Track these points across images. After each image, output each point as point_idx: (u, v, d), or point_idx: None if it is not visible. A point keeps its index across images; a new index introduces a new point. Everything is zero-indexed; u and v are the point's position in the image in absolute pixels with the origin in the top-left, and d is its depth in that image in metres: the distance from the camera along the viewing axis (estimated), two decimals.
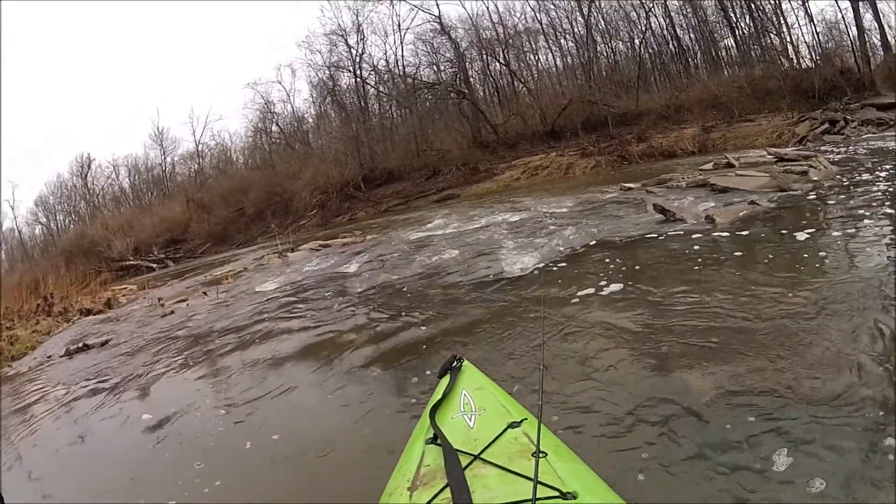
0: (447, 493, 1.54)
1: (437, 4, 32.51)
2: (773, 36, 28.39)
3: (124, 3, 61.54)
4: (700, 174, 13.36)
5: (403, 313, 6.72)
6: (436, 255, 10.33)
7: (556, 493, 1.47)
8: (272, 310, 9.11)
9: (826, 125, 18.79)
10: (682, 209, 8.67)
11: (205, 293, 12.96)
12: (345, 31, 34.06)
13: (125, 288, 19.88)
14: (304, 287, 10.69)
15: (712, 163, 15.08)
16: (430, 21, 33.27)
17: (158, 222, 37.59)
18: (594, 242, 8.10)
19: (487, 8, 34.43)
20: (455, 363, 2.55)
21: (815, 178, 9.97)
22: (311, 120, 40.27)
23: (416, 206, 26.71)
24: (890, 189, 7.97)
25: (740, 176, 11.17)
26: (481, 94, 34.35)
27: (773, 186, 9.72)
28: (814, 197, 8.44)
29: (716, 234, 7.04)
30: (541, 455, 1.65)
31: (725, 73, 29.87)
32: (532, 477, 1.45)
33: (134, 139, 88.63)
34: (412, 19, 33.76)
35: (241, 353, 6.86)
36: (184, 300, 12.75)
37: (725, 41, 31.36)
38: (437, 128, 33.00)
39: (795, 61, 27.25)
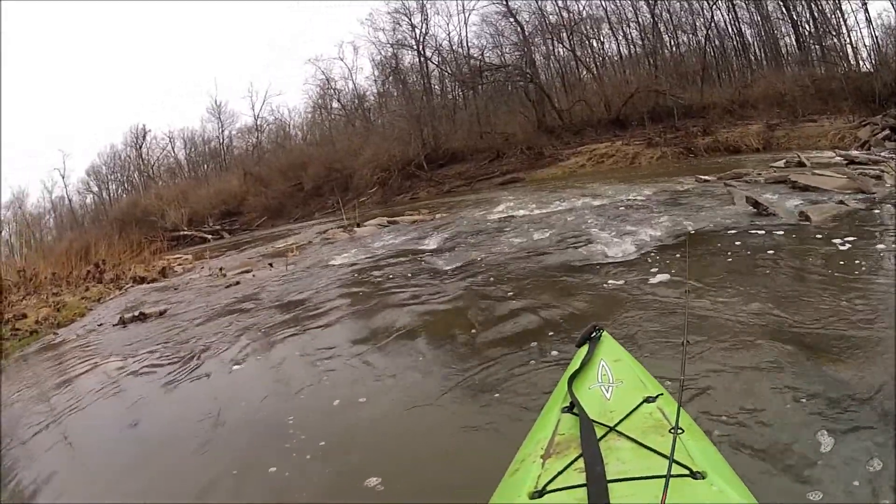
0: (580, 464, 1.56)
1: None
2: (833, 37, 28.13)
3: None
4: (774, 171, 13.47)
5: (511, 293, 6.50)
6: (523, 235, 10.40)
7: (687, 472, 1.49)
8: (354, 283, 8.97)
9: (887, 131, 18.60)
10: (774, 204, 8.89)
11: (270, 264, 12.93)
12: (408, 9, 34.34)
13: (180, 257, 20.05)
14: (384, 262, 10.44)
15: (784, 160, 15.19)
16: (495, 2, 33.42)
17: (214, 194, 37.73)
18: (693, 231, 8.21)
19: None
20: (595, 333, 2.55)
21: (892, 183, 9.95)
22: (372, 98, 40.45)
23: (479, 189, 26.90)
24: None
25: (818, 175, 11.22)
26: (545, 79, 34.27)
27: (853, 188, 9.72)
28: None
29: (817, 231, 7.07)
30: (678, 432, 1.65)
31: (786, 70, 29.46)
32: (666, 454, 1.48)
33: (192, 115, 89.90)
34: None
35: (331, 328, 6.50)
36: (247, 271, 12.64)
37: (786, 39, 31.13)
38: (501, 111, 32.98)
39: (854, 63, 26.91)
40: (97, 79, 74.21)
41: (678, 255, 6.81)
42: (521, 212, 14.20)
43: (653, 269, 6.44)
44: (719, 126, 25.40)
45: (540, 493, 1.52)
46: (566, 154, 28.29)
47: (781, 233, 7.27)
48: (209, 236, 31.90)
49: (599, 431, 1.73)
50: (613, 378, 2.14)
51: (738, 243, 7.09)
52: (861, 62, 26.86)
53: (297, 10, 74.82)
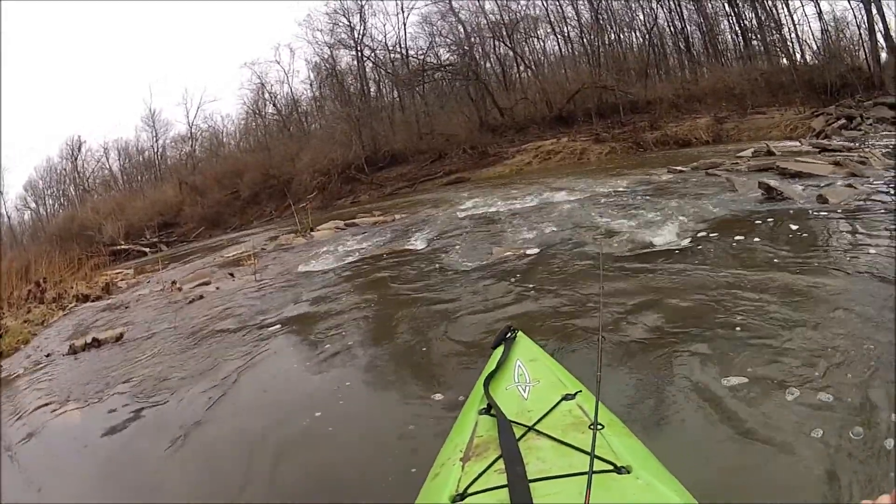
0: (500, 464, 1.55)
1: None
2: (775, 31, 28.75)
3: None
4: (750, 160, 13.44)
5: (571, 291, 5.62)
6: (527, 229, 9.70)
7: (611, 467, 1.48)
8: (342, 291, 7.93)
9: (843, 121, 19.11)
10: (785, 189, 8.65)
11: (232, 275, 11.72)
12: (347, 10, 33.63)
13: (121, 272, 18.76)
14: (366, 264, 9.56)
15: (751, 150, 15.15)
16: (436, 1, 33.01)
17: (150, 206, 36.24)
18: (727, 216, 7.88)
19: None
20: (509, 334, 2.57)
21: (879, 168, 10.00)
22: (307, 102, 39.66)
23: (423, 190, 26.61)
24: None
25: (806, 162, 11.22)
26: (486, 77, 33.79)
27: (845, 172, 9.75)
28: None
29: (847, 211, 6.96)
30: (597, 428, 1.65)
31: (730, 65, 30.00)
32: (587, 450, 1.47)
33: (128, 123, 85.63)
34: None
35: (352, 353, 5.27)
36: (206, 283, 11.37)
37: (726, 35, 31.69)
38: (442, 111, 32.72)
39: (799, 57, 27.64)
40: (35, 88, 70.08)
41: (737, 239, 6.51)
42: (495, 208, 13.62)
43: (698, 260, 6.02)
44: (666, 120, 25.67)
45: (462, 496, 1.50)
46: (511, 152, 28.14)
47: (816, 213, 7.12)
48: (147, 249, 30.35)
49: (518, 431, 1.72)
50: (530, 378, 2.15)
51: (792, 225, 6.75)
52: (805, 55, 27.70)
53: (235, 11, 72.19)
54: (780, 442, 2.68)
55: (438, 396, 3.87)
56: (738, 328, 3.98)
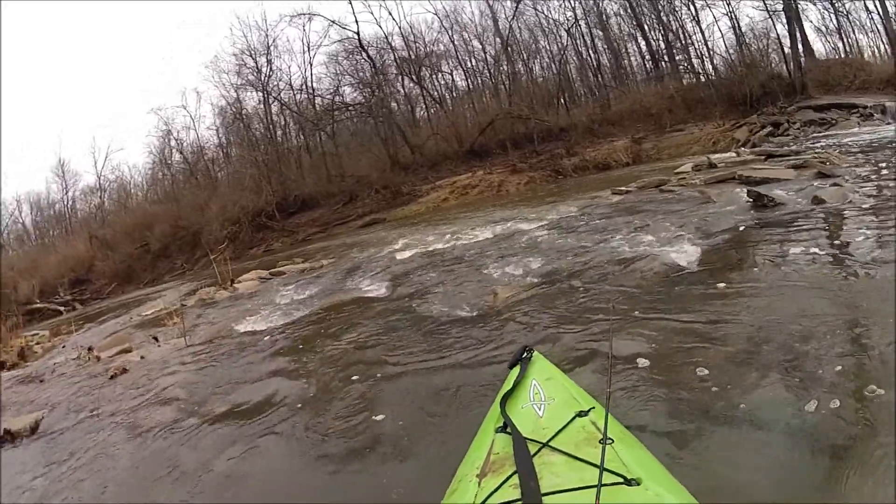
0: (515, 480, 1.56)
1: (357, 20, 31.50)
2: (681, 51, 29.75)
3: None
4: (687, 176, 13.13)
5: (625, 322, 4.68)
6: (510, 264, 8.23)
7: (622, 480, 1.50)
8: (307, 360, 6.10)
9: (769, 128, 19.66)
10: (774, 195, 8.20)
11: (156, 338, 9.98)
12: (254, 50, 32.91)
13: (37, 334, 16.40)
14: (324, 320, 7.81)
15: (691, 164, 14.99)
16: (345, 39, 32.47)
17: (63, 261, 34.30)
18: (733, 226, 7.25)
19: (400, 28, 34.09)
20: (525, 354, 2.58)
21: (846, 166, 10.10)
22: (213, 148, 38.72)
23: (337, 234, 25.53)
24: None
25: (768, 169, 11.08)
26: (396, 115, 33.66)
27: (812, 173, 9.75)
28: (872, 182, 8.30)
29: (850, 209, 6.77)
30: (607, 442, 1.67)
31: (638, 88, 30.83)
32: (598, 464, 1.47)
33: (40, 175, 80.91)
34: (326, 35, 32.89)
35: (334, 453, 3.79)
36: (127, 350, 9.53)
37: (632, 59, 32.72)
38: (351, 151, 32.33)
39: (713, 71, 28.55)
40: None
41: (752, 255, 5.89)
42: (441, 245, 12.47)
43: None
44: (583, 146, 25.84)
45: None
46: (425, 189, 27.61)
47: (822, 215, 6.85)
48: (62, 308, 28.32)
49: (533, 448, 1.73)
50: (545, 396, 2.16)
51: (800, 233, 6.30)
52: (719, 69, 28.54)
53: (144, 55, 69.18)
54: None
55: None
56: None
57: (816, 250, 5.41)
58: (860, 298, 4.06)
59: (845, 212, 6.69)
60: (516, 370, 2.46)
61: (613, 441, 1.70)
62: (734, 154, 16.07)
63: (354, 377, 5.05)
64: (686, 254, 6.46)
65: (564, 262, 7.54)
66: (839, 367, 3.16)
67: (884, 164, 9.61)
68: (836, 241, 5.74)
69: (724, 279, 5.15)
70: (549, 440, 1.78)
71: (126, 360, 8.59)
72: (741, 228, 7.12)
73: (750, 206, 8.11)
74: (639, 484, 1.49)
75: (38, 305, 28.98)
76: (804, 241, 5.84)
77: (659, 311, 4.76)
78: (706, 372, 3.48)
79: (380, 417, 4.08)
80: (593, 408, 2.00)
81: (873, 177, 8.62)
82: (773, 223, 6.93)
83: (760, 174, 10.37)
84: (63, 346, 12.54)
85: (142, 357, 8.61)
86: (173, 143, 38.95)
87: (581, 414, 1.95)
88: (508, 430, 1.90)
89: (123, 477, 4.26)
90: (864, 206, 6.78)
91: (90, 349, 10.33)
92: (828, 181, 8.80)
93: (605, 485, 1.39)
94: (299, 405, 4.77)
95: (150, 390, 6.44)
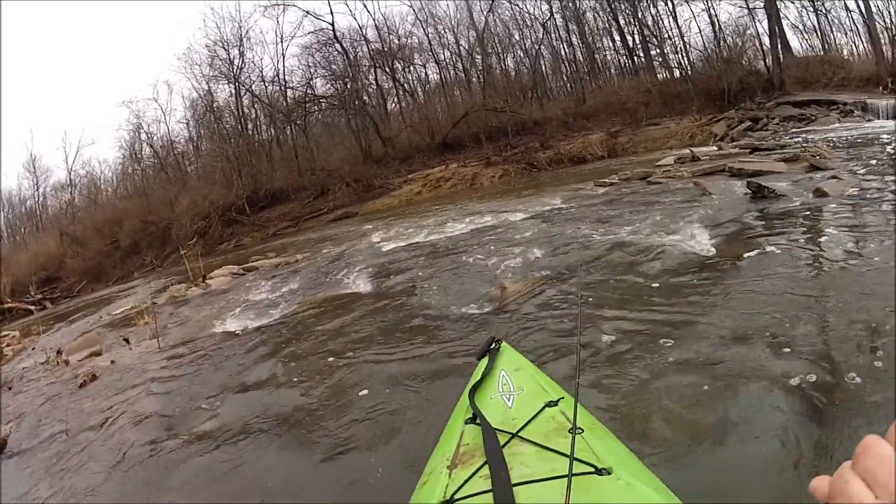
0: (486, 471, 1.57)
1: (332, 11, 31.10)
2: (656, 46, 29.76)
3: None
4: (671, 168, 13.14)
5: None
6: (517, 255, 7.87)
7: (592, 469, 1.50)
8: (296, 367, 5.54)
9: (748, 123, 19.71)
10: (775, 187, 8.08)
11: (126, 340, 9.34)
12: (226, 41, 32.15)
13: (7, 335, 15.82)
14: (307, 319, 7.44)
15: (673, 158, 14.98)
16: (320, 30, 31.96)
17: (33, 258, 33.65)
18: (738, 217, 7.09)
19: (375, 20, 33.68)
20: (493, 345, 2.54)
21: (836, 160, 10.07)
22: (183, 142, 37.78)
23: (307, 228, 25.12)
24: None
25: (757, 161, 11.05)
26: (368, 107, 33.10)
27: (804, 166, 9.75)
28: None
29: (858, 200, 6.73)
30: (577, 432, 1.67)
31: (614, 82, 30.81)
32: (568, 453, 1.48)
33: (12, 171, 77.80)
34: (300, 26, 32.33)
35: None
36: (97, 353, 9.00)
37: (608, 53, 32.65)
38: (323, 144, 31.83)
39: (689, 66, 28.56)
40: None
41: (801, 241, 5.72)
42: (421, 237, 12.15)
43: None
44: (558, 139, 25.68)
45: (449, 502, 1.52)
46: (398, 183, 27.37)
47: (833, 206, 6.74)
48: (33, 307, 27.45)
49: (502, 439, 1.74)
50: (514, 387, 2.16)
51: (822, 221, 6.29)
52: (696, 64, 28.42)
53: (116, 46, 67.00)
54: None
55: None
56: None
57: (830, 242, 5.36)
58: None
59: (852, 204, 6.60)
60: (485, 361, 2.44)
61: (583, 431, 1.71)
62: (715, 147, 16.07)
63: (349, 387, 4.66)
64: (699, 243, 6.30)
65: (569, 256, 7.25)
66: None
67: (874, 160, 9.62)
68: (852, 233, 5.58)
69: (747, 269, 5.09)
70: (519, 431, 1.79)
71: (96, 364, 8.12)
72: (748, 219, 6.97)
73: (750, 197, 7.95)
74: (609, 473, 1.49)
75: (10, 305, 28.10)
76: (823, 231, 5.80)
77: (644, 303, 4.81)
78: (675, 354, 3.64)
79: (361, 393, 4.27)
80: (563, 398, 2.00)
81: (866, 171, 8.60)
82: (780, 214, 6.83)
83: (752, 167, 10.33)
84: (33, 349, 11.92)
85: (112, 361, 8.07)
86: (144, 136, 38.18)
87: (550, 404, 1.95)
88: (478, 421, 1.88)
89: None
90: (868, 198, 6.72)
91: (59, 352, 9.72)
92: (823, 174, 8.75)
93: (576, 474, 1.40)
94: (278, 421, 4.39)
95: (118, 402, 5.87)
